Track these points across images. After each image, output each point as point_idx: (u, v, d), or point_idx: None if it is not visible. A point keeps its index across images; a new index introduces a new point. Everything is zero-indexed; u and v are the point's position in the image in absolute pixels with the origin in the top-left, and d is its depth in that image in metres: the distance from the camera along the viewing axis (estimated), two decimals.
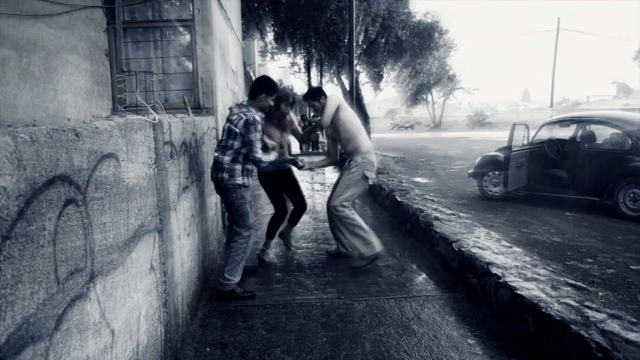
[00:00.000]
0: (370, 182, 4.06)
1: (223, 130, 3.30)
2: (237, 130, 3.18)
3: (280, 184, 4.11)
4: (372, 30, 13.10)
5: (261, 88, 3.36)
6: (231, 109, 3.38)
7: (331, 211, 3.89)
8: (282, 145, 3.95)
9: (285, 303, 3.17)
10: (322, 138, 19.00)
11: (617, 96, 55.87)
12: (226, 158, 3.19)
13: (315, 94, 4.02)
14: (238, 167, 3.21)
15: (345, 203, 3.87)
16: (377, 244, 3.76)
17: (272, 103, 3.49)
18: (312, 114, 20.79)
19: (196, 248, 3.16)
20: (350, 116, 3.99)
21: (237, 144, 3.19)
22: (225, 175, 3.19)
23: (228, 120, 3.27)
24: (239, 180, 3.21)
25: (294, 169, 4.17)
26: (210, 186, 3.91)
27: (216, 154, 3.27)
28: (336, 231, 4.02)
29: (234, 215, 3.33)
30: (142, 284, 1.88)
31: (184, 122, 2.93)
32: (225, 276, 3.24)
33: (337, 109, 3.89)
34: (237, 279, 3.28)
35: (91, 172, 1.38)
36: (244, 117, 3.19)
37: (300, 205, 4.22)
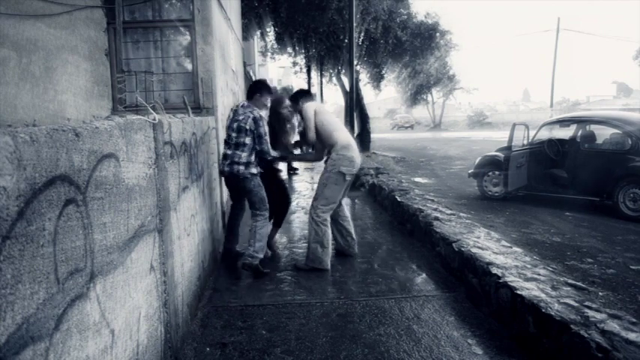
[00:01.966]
0: (348, 178, 3.93)
1: (231, 129, 3.70)
2: (247, 128, 3.63)
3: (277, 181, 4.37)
4: (373, 30, 13.10)
5: (255, 89, 3.88)
6: (235, 110, 3.77)
7: (310, 212, 3.96)
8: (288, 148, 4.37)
9: (285, 303, 3.17)
10: None
11: (617, 96, 55.85)
12: (244, 154, 3.64)
13: (294, 97, 4.22)
14: (253, 160, 3.69)
15: (323, 208, 3.90)
16: (327, 263, 3.86)
17: (267, 102, 3.93)
18: None
19: (196, 248, 3.16)
20: (325, 118, 4.02)
21: (248, 140, 3.65)
22: (242, 168, 3.64)
23: (236, 120, 3.68)
24: (254, 170, 3.70)
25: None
26: (210, 186, 3.92)
27: (228, 151, 3.69)
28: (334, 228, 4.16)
29: (254, 200, 3.76)
30: (142, 284, 1.88)
31: (184, 122, 2.93)
32: (253, 253, 3.68)
33: (315, 116, 3.97)
34: (262, 255, 3.77)
35: (91, 172, 1.38)
36: (251, 115, 3.66)
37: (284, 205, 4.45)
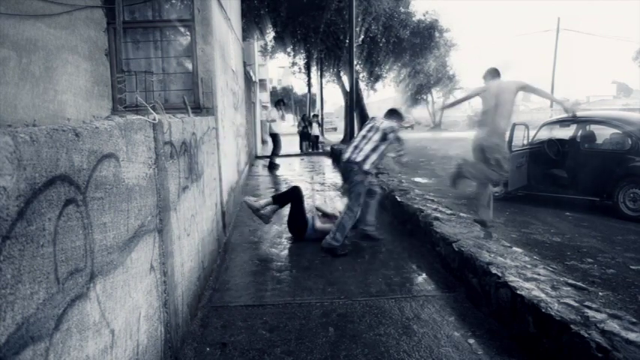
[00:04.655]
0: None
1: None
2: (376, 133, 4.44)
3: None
4: (373, 30, 13.10)
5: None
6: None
7: None
8: None
9: (285, 303, 3.17)
10: (322, 138, 19.00)
11: (617, 96, 55.71)
12: (366, 147, 4.36)
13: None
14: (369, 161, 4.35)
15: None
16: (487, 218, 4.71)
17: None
18: (312, 114, 20.77)
19: (196, 248, 3.16)
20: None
21: (376, 137, 4.43)
22: (359, 158, 4.30)
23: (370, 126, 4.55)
24: (366, 167, 4.30)
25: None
26: (210, 186, 3.92)
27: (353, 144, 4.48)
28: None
29: (350, 194, 4.35)
30: (142, 284, 1.88)
31: (184, 122, 2.93)
32: (331, 241, 4.23)
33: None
34: (337, 244, 4.25)
35: (91, 172, 1.38)
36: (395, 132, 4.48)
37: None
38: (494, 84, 4.77)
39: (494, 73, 4.86)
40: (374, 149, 4.31)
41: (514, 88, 4.61)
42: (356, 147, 4.35)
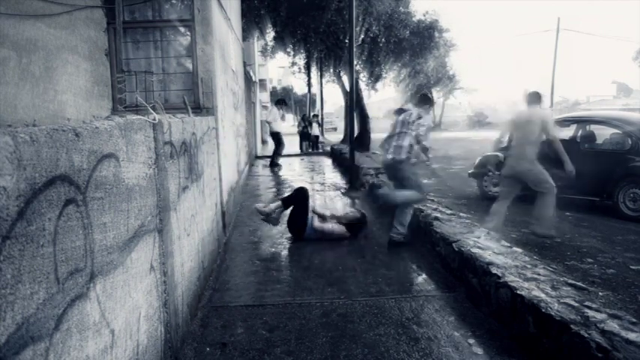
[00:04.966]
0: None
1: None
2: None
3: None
4: (373, 30, 13.11)
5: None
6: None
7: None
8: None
9: (285, 303, 3.17)
10: (322, 138, 19.00)
11: (617, 96, 55.59)
12: (405, 142, 4.55)
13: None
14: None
15: None
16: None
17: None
18: (312, 114, 20.77)
19: (196, 248, 3.16)
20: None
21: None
22: (402, 155, 4.51)
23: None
24: (413, 159, 4.56)
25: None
26: (210, 186, 3.92)
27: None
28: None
29: (410, 185, 4.55)
30: (142, 284, 1.88)
31: (184, 122, 2.93)
32: (399, 230, 4.49)
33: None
34: (404, 233, 4.50)
35: (91, 172, 1.38)
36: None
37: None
38: (524, 113, 4.98)
39: (535, 97, 5.00)
40: (412, 145, 4.52)
41: (539, 122, 4.85)
42: (396, 145, 4.54)
